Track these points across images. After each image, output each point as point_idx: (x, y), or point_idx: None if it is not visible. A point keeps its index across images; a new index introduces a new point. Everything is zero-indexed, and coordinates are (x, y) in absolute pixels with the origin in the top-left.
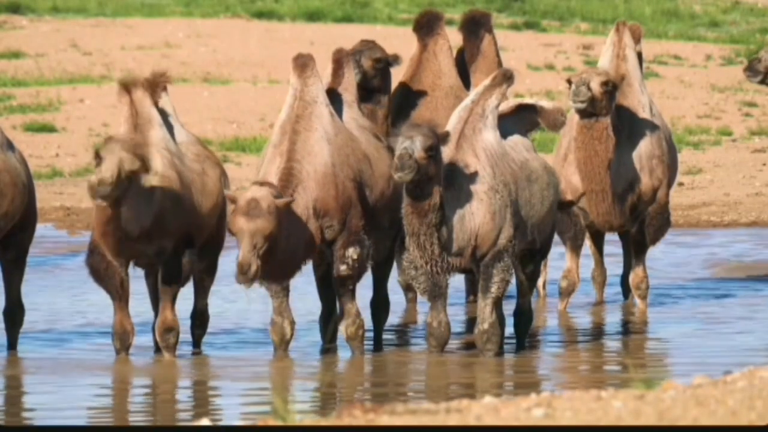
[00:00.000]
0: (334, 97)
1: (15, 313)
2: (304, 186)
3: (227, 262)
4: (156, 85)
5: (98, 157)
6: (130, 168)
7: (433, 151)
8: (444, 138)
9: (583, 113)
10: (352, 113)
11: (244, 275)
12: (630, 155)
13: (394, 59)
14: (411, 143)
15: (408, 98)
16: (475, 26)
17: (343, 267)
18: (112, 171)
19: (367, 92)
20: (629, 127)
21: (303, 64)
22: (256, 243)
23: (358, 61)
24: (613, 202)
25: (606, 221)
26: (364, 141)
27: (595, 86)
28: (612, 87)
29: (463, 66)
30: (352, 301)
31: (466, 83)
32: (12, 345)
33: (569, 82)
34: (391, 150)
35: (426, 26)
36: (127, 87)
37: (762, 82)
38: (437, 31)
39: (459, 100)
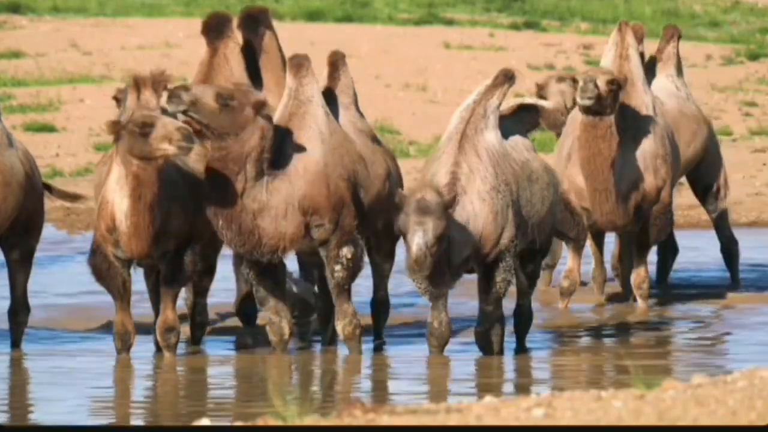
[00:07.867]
0: (330, 98)
1: (19, 312)
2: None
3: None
4: (158, 84)
5: (147, 125)
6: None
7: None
8: (450, 202)
9: (588, 110)
10: (349, 115)
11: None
12: (634, 155)
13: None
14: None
15: None
16: (254, 23)
17: (337, 267)
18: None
19: None
20: (633, 126)
21: (298, 64)
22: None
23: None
24: (616, 202)
25: (610, 221)
26: (360, 143)
27: (602, 84)
28: (617, 86)
29: (253, 65)
30: (348, 301)
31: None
32: (15, 344)
33: (574, 80)
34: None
35: (215, 29)
36: (137, 84)
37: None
38: (227, 33)
39: None
